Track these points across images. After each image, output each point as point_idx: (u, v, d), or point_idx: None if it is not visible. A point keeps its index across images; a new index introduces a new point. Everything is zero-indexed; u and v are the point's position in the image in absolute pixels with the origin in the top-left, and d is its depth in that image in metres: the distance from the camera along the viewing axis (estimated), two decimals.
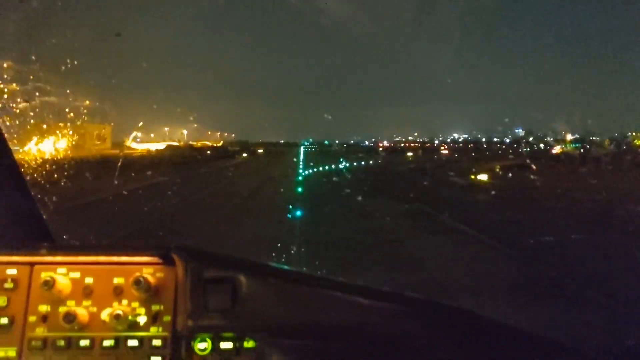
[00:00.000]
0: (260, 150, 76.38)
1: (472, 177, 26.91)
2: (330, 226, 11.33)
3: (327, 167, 36.35)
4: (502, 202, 17.17)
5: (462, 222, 11.38)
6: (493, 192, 20.37)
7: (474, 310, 1.23)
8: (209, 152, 61.83)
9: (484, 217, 12.61)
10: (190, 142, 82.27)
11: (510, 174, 28.09)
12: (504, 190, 20.86)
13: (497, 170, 30.55)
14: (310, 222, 12.09)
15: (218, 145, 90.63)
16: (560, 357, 1.21)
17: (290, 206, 14.60)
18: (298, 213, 13.35)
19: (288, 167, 37.53)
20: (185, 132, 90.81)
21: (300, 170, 32.68)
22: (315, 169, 34.29)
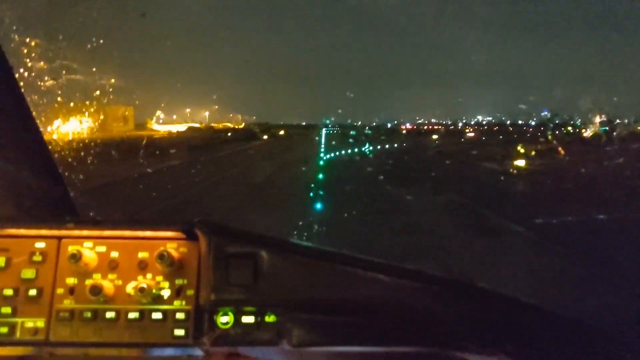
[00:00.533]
0: (282, 132, 75.54)
1: (508, 161, 24.61)
2: (355, 221, 9.44)
3: (350, 151, 34.25)
4: (550, 193, 14.96)
5: (510, 219, 9.39)
6: (536, 181, 18.14)
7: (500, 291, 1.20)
8: (229, 134, 61.59)
9: (534, 212, 10.53)
10: (212, 124, 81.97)
11: (549, 159, 25.60)
12: (548, 178, 18.59)
13: (533, 154, 28.08)
14: (331, 216, 10.20)
15: (239, 127, 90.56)
16: (585, 338, 1.18)
17: (311, 195, 12.79)
18: (318, 206, 11.50)
19: (309, 150, 35.54)
20: (207, 113, 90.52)
21: (322, 154, 30.66)
22: (338, 152, 32.23)
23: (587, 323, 1.18)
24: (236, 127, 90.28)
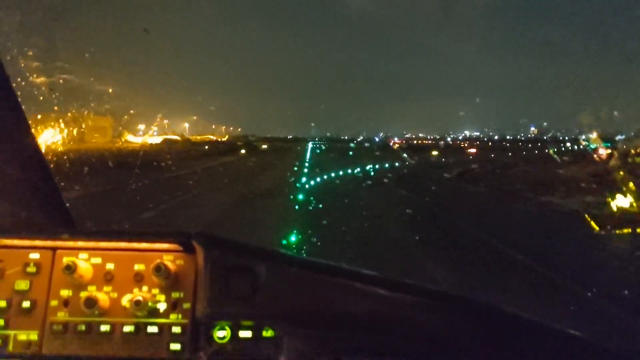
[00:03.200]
0: (265, 146, 71.30)
1: (580, 195, 15.24)
2: None
3: (342, 173, 24.53)
4: None
5: None
6: None
7: (493, 303, 1.19)
8: (207, 147, 57.79)
9: None
10: (189, 137, 77.29)
11: None
12: None
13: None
14: None
15: (223, 139, 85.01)
16: (580, 352, 1.16)
17: None
18: None
19: (288, 170, 25.78)
20: (187, 125, 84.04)
21: (304, 179, 20.89)
22: (325, 175, 22.49)
23: (588, 340, 1.15)
24: (220, 139, 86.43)
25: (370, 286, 1.14)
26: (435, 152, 54.74)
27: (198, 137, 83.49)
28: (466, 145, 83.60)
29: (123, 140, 47.23)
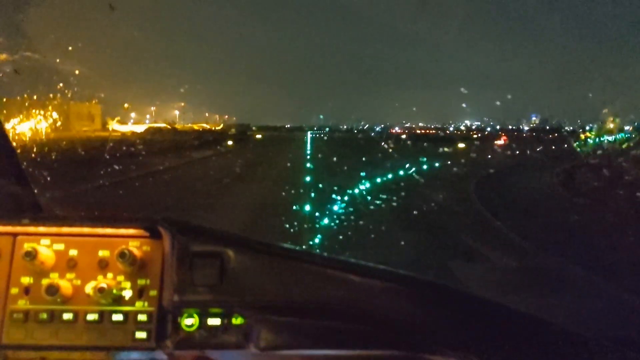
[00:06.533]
0: (259, 136, 65.91)
1: None
2: None
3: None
4: None
5: None
6: None
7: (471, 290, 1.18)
8: (193, 137, 48.32)
9: None
10: (176, 126, 68.96)
11: None
12: None
13: None
14: None
15: (217, 128, 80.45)
16: (556, 339, 1.13)
17: None
18: None
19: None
20: (177, 113, 75.97)
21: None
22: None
23: (560, 326, 1.13)
24: (213, 127, 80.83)
25: (343, 273, 1.10)
26: (462, 145, 43.52)
27: (187, 126, 73.25)
28: (478, 135, 72.15)
29: (110, 129, 43.75)
